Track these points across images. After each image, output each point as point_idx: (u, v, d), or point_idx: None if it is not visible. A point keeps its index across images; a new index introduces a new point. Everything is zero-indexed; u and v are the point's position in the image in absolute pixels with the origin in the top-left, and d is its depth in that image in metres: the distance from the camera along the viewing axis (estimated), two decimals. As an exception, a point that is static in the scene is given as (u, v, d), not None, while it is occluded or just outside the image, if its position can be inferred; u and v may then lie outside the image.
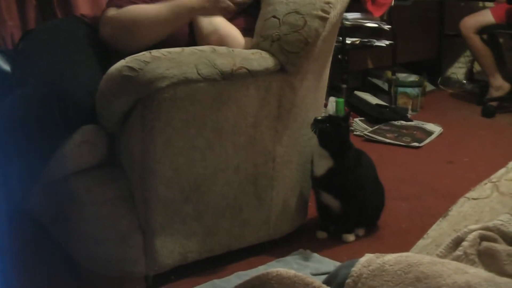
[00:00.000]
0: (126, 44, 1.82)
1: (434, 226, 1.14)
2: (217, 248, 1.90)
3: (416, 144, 3.43)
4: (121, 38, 1.84)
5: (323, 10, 1.86)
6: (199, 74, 1.65)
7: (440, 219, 1.15)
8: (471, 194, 1.16)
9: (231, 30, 1.93)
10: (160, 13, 1.82)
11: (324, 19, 1.86)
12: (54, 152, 1.66)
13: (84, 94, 1.67)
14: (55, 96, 1.61)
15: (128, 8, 1.86)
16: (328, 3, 1.87)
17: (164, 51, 1.65)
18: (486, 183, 1.17)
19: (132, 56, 1.61)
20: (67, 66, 1.74)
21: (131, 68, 1.58)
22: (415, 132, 3.63)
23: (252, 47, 1.89)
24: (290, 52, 1.84)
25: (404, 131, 3.64)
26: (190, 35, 1.97)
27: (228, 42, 1.88)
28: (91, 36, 1.91)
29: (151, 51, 1.64)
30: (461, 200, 1.16)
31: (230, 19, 1.98)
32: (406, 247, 1.14)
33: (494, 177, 1.17)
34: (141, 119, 1.65)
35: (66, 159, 1.68)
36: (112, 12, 1.88)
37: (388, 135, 3.54)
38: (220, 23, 1.92)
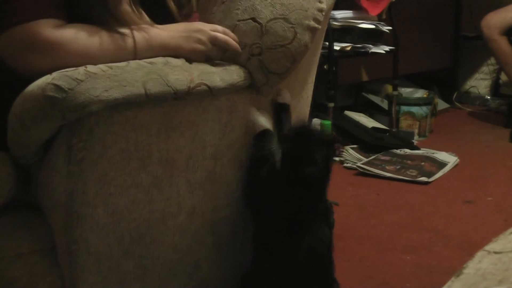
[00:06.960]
0: (46, 71, 1.65)
1: (444, 288, 1.14)
2: (166, 317, 1.90)
3: (424, 179, 3.47)
4: (52, 67, 1.65)
5: (315, 19, 1.87)
6: (147, 94, 1.63)
7: (452, 278, 1.14)
8: (492, 246, 1.16)
9: None
10: (121, 49, 1.73)
11: (314, 31, 1.87)
12: None
13: None
14: None
15: (78, 35, 1.72)
16: (321, 10, 1.88)
17: (103, 65, 1.61)
18: (512, 232, 1.18)
19: (61, 71, 1.57)
20: None
21: (58, 87, 1.54)
22: (423, 163, 3.67)
23: None
24: (273, 73, 1.85)
25: (409, 162, 3.67)
26: None
27: None
28: None
29: (86, 66, 1.60)
30: (480, 254, 1.15)
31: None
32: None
33: (523, 223, 1.18)
34: (67, 150, 1.63)
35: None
36: (50, 32, 1.70)
37: (388, 167, 3.58)
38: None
